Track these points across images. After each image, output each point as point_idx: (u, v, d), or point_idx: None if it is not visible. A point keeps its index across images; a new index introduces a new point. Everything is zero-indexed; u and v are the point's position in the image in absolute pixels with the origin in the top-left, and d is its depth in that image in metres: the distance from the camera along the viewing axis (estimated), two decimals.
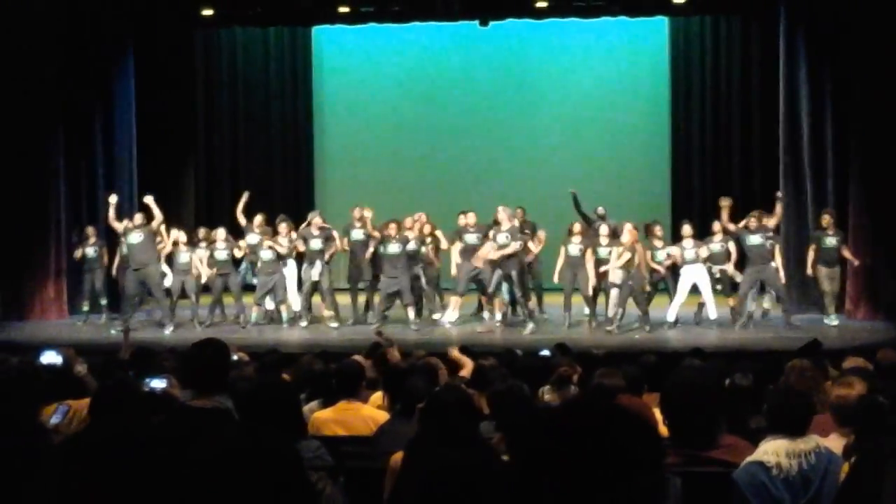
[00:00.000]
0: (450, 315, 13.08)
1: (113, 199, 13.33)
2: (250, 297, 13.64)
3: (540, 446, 1.67)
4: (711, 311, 12.65)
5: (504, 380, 5.79)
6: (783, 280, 12.73)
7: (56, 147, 14.48)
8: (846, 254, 12.79)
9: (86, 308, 14.05)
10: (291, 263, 13.51)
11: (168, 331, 12.95)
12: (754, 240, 12.51)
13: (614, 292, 12.62)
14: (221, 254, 13.46)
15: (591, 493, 1.61)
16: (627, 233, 12.30)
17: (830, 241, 12.72)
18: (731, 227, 12.70)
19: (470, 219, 13.34)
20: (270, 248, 13.11)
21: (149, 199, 13.05)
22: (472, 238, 12.99)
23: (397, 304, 13.24)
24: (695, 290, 12.79)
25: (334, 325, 13.07)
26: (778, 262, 12.69)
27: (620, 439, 1.65)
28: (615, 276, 12.42)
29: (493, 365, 6.88)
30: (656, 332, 12.40)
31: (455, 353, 7.76)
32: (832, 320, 12.67)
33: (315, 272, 13.09)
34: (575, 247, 12.84)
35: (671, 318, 12.64)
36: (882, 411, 3.91)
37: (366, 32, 17.49)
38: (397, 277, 12.79)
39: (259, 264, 13.28)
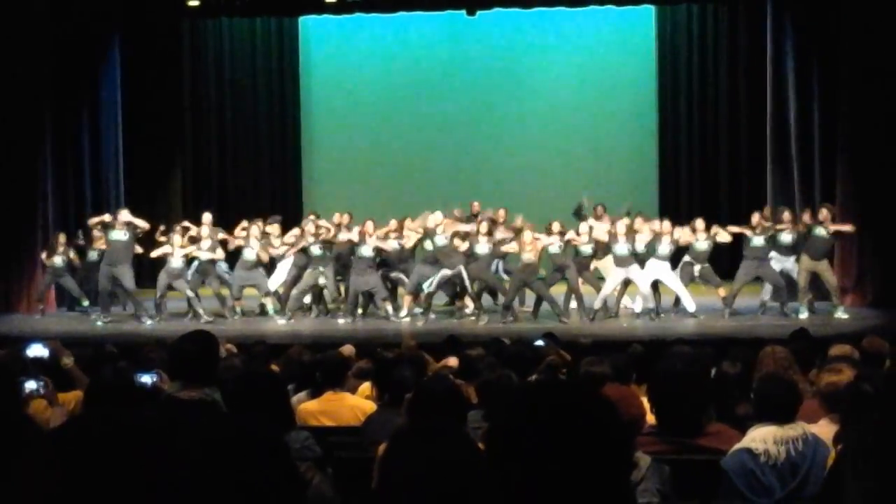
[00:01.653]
0: (402, 312, 12.98)
1: (107, 217, 13.32)
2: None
3: (510, 422, 1.69)
4: (689, 305, 12.56)
5: (493, 369, 5.79)
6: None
7: (43, 141, 14.43)
8: (843, 227, 12.45)
9: (41, 307, 13.94)
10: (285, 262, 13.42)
11: (147, 323, 12.91)
12: (757, 241, 12.43)
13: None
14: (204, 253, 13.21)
15: (561, 476, 1.62)
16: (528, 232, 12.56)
17: (820, 230, 12.34)
18: (767, 223, 12.63)
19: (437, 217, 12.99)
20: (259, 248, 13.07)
21: (124, 215, 13.12)
22: (440, 240, 12.82)
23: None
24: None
25: (348, 319, 12.93)
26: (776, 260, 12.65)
27: (587, 419, 1.67)
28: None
29: (480, 355, 6.89)
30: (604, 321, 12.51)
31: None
32: (802, 311, 12.34)
33: (318, 278, 13.04)
34: (554, 246, 12.69)
35: (639, 308, 12.72)
36: (867, 398, 3.92)
37: (353, 23, 17.46)
38: (366, 277, 12.77)
39: (239, 260, 13.23)
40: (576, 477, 1.63)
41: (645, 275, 12.59)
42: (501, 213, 13.76)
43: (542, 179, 17.36)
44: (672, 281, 12.61)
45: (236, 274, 13.31)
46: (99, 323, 13.02)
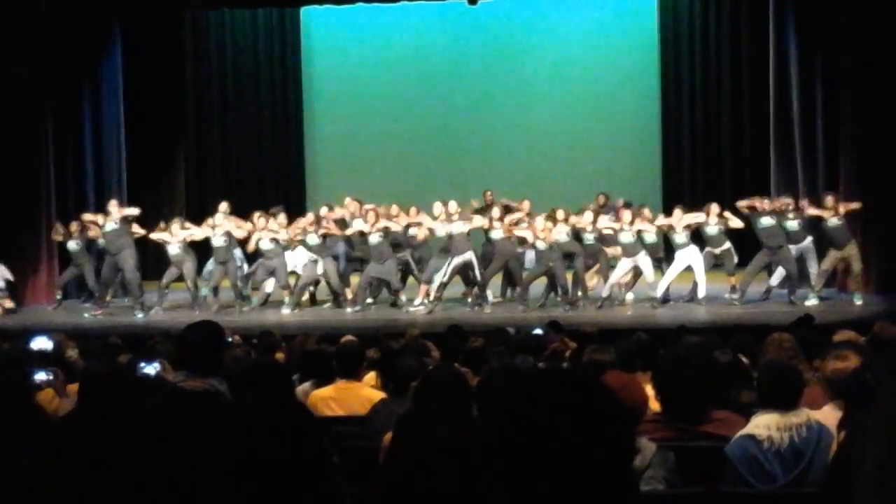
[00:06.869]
0: (416, 301, 12.97)
1: (100, 219, 13.33)
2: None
3: (510, 410, 1.69)
4: (701, 290, 12.51)
5: (500, 358, 5.79)
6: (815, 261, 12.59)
7: (45, 133, 14.42)
8: (850, 206, 12.38)
9: (59, 296, 13.91)
10: (300, 252, 13.35)
11: (139, 316, 12.90)
12: (765, 222, 12.38)
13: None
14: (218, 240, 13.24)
15: (561, 462, 1.63)
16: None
17: (833, 220, 12.28)
18: (744, 209, 12.63)
19: (451, 207, 12.81)
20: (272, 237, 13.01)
21: (114, 206, 13.20)
22: (455, 226, 12.77)
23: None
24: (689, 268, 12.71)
25: (356, 308, 12.89)
26: (807, 242, 12.58)
27: (586, 406, 1.67)
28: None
29: (481, 345, 6.89)
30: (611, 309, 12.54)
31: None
32: (810, 298, 12.30)
33: (319, 268, 13.03)
34: (562, 234, 12.66)
35: (660, 294, 12.55)
36: (871, 384, 3.91)
37: (354, 13, 17.44)
38: (383, 265, 12.76)
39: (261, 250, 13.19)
40: (576, 464, 1.63)
41: (674, 267, 12.62)
42: (526, 204, 13.40)
43: (544, 168, 17.33)
44: (699, 267, 12.50)
45: (259, 264, 13.27)
46: (86, 315, 13.07)
